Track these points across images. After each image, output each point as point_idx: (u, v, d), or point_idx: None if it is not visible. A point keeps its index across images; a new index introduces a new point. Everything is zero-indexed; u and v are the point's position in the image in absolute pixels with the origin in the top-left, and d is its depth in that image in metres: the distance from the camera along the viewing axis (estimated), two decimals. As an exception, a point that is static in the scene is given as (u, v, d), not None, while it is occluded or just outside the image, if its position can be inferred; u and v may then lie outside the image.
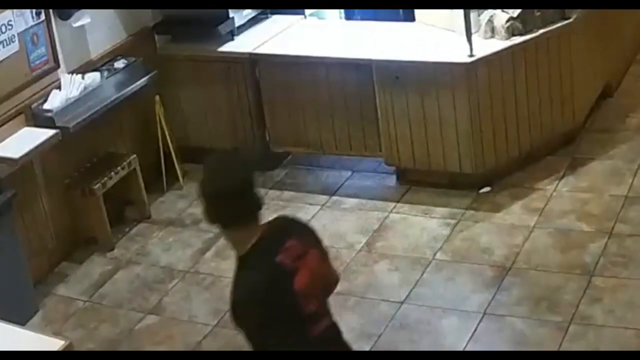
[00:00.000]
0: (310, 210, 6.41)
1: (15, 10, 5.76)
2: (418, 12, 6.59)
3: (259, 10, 6.99)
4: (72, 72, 6.15)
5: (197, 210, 6.51)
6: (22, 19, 5.82)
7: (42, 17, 5.95)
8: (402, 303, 5.44)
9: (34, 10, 5.88)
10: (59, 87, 6.05)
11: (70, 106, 5.99)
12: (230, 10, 6.67)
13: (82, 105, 6.06)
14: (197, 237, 6.20)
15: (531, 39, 6.16)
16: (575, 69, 6.40)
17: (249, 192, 3.30)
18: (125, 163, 6.35)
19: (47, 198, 6.07)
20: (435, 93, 6.13)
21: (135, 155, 6.42)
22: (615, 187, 6.18)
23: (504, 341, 5.08)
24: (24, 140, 5.76)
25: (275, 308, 3.26)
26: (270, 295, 3.27)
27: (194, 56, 6.77)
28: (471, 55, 6.00)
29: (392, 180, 6.62)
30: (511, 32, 6.14)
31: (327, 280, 3.50)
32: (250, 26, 6.93)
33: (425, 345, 5.11)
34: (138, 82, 6.40)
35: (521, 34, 6.15)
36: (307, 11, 7.10)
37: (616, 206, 5.98)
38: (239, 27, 6.80)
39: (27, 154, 5.67)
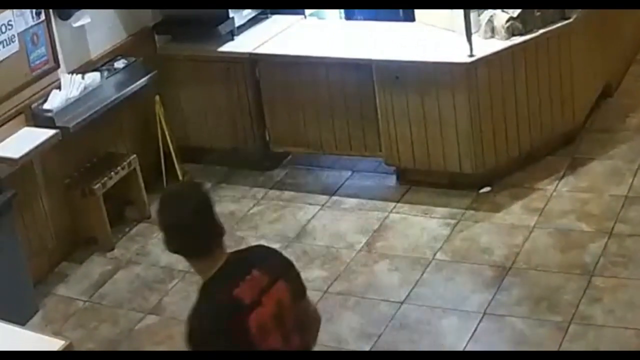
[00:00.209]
0: (310, 210, 6.41)
1: (15, 10, 5.76)
2: (418, 12, 6.59)
3: (259, 10, 6.99)
4: (72, 72, 6.15)
5: (197, 210, 6.52)
6: (22, 19, 5.82)
7: (42, 17, 5.95)
8: (402, 303, 5.44)
9: (34, 10, 5.88)
10: (59, 87, 6.05)
11: (70, 106, 5.99)
12: (230, 10, 6.67)
13: (82, 105, 6.06)
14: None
15: (531, 39, 6.16)
16: (575, 69, 6.40)
17: (204, 224, 3.22)
18: (125, 163, 6.35)
19: (47, 198, 6.07)
20: (435, 93, 6.13)
21: (135, 155, 6.42)
22: (615, 187, 6.18)
23: (504, 341, 5.08)
24: (24, 140, 5.76)
25: (226, 343, 3.17)
26: (220, 329, 3.17)
27: (194, 56, 6.77)
28: (471, 55, 6.00)
29: (392, 180, 6.62)
30: (511, 32, 6.14)
31: (301, 317, 3.38)
32: (250, 26, 6.93)
33: (425, 345, 5.11)
34: (138, 82, 6.40)
35: (521, 34, 6.15)
36: (307, 11, 7.10)
37: (616, 206, 5.98)
38: (239, 27, 6.80)
39: (27, 154, 5.67)
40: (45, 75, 6.02)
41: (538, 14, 6.18)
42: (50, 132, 5.80)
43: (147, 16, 6.80)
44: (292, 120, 6.66)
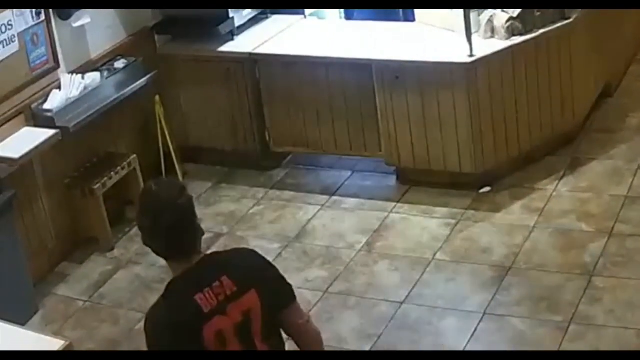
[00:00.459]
0: (310, 210, 6.41)
1: (15, 10, 5.76)
2: (418, 12, 6.59)
3: (259, 10, 6.99)
4: (72, 72, 6.15)
5: (197, 210, 6.50)
6: (22, 19, 5.82)
7: (42, 17, 5.95)
8: (402, 303, 5.44)
9: (34, 10, 5.88)
10: (59, 87, 6.05)
11: (70, 106, 5.99)
12: (230, 10, 6.67)
13: (82, 105, 6.06)
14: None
15: (531, 39, 6.16)
16: (575, 69, 6.40)
17: (176, 228, 3.18)
18: (125, 163, 6.35)
19: (47, 198, 6.07)
20: (435, 93, 6.13)
21: (135, 155, 6.42)
22: (615, 187, 6.18)
23: (504, 341, 5.08)
24: (24, 140, 5.75)
25: (174, 344, 3.16)
26: (171, 331, 3.17)
27: (194, 56, 6.77)
28: (471, 55, 6.00)
29: (392, 180, 6.62)
30: (511, 32, 6.14)
31: (285, 325, 3.33)
32: (250, 26, 6.93)
33: (425, 345, 5.11)
34: (138, 82, 6.40)
35: (521, 34, 6.15)
36: (307, 11, 7.10)
37: (616, 206, 5.98)
38: (239, 27, 6.80)
39: (27, 154, 5.67)
40: (45, 75, 6.02)
41: (538, 14, 6.18)
42: (50, 132, 5.80)
43: (147, 16, 6.80)
44: (292, 120, 6.66)
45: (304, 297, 5.27)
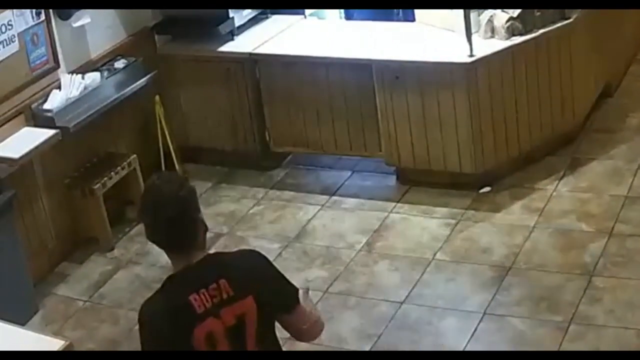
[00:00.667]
0: (310, 210, 6.41)
1: (15, 10, 5.76)
2: (418, 12, 6.59)
3: (259, 10, 6.99)
4: (72, 72, 6.15)
5: (197, 210, 6.51)
6: (22, 19, 5.82)
7: (42, 17, 5.94)
8: (402, 303, 5.44)
9: (34, 10, 5.88)
10: (59, 87, 6.05)
11: (70, 106, 5.99)
12: (230, 10, 6.67)
13: (82, 105, 6.06)
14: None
15: (531, 39, 6.16)
16: (575, 69, 6.40)
17: (176, 222, 3.16)
18: (125, 163, 6.35)
19: (47, 198, 6.07)
20: (435, 93, 6.13)
21: (135, 155, 6.42)
22: (615, 187, 6.18)
23: (504, 341, 5.08)
24: (24, 140, 5.75)
25: (166, 343, 3.18)
26: (163, 329, 3.19)
27: (194, 56, 6.77)
28: (471, 55, 6.00)
29: (392, 180, 6.62)
30: (511, 32, 6.14)
31: (289, 327, 3.32)
32: (250, 26, 6.93)
33: (425, 345, 5.11)
34: (138, 82, 6.40)
35: (521, 34, 6.15)
36: (307, 11, 7.10)
37: (616, 206, 5.98)
38: (239, 27, 6.80)
39: (27, 154, 5.67)
40: (45, 75, 6.02)
41: (538, 14, 6.18)
42: (50, 132, 5.80)
43: (147, 16, 6.80)
44: (292, 120, 6.66)
45: (304, 297, 5.27)
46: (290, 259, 5.89)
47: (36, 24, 5.92)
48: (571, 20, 6.28)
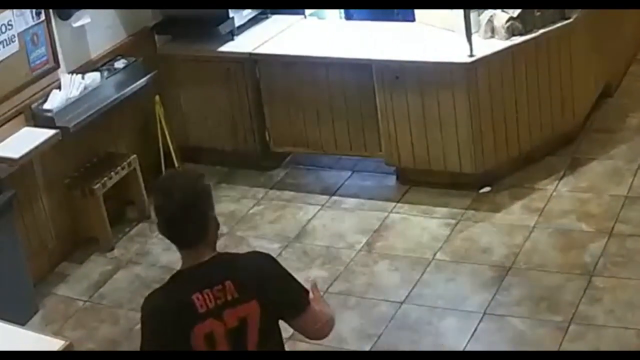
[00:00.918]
0: (310, 210, 6.41)
1: (15, 10, 5.75)
2: (418, 12, 6.59)
3: (259, 10, 6.99)
4: (72, 72, 6.15)
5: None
6: (22, 19, 5.82)
7: (42, 17, 5.94)
8: (402, 303, 5.44)
9: (34, 10, 5.88)
10: (59, 87, 6.04)
11: (70, 106, 5.99)
12: (230, 10, 6.67)
13: (82, 105, 6.06)
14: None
15: (531, 39, 6.16)
16: (575, 69, 6.40)
17: (188, 218, 3.17)
18: (125, 163, 6.35)
19: (47, 198, 6.07)
20: (435, 93, 6.13)
21: (135, 155, 6.42)
22: (615, 187, 6.18)
23: (504, 341, 5.08)
24: (24, 140, 5.75)
25: (163, 339, 3.20)
26: (162, 325, 3.20)
27: (194, 56, 6.77)
28: (471, 55, 6.00)
29: (392, 180, 6.62)
30: (511, 32, 6.14)
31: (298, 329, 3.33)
32: (250, 26, 6.93)
33: (425, 345, 5.11)
34: (138, 82, 6.40)
35: (521, 34, 6.15)
36: (307, 11, 7.10)
37: (616, 206, 5.98)
38: (239, 27, 6.80)
39: (27, 154, 5.67)
40: (45, 75, 6.02)
41: (538, 14, 6.18)
42: (50, 132, 5.80)
43: (147, 16, 6.80)
44: (292, 120, 6.66)
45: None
46: (290, 259, 5.89)
47: (36, 24, 5.91)
48: (571, 20, 6.28)
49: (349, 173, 6.78)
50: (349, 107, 6.46)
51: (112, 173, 6.26)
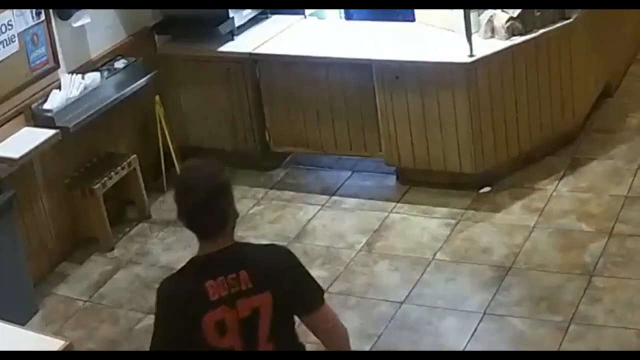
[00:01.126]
0: (310, 210, 6.40)
1: (15, 10, 5.75)
2: (418, 12, 6.59)
3: (259, 10, 6.99)
4: (72, 72, 6.15)
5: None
6: (22, 19, 5.82)
7: (42, 17, 5.94)
8: (402, 303, 5.44)
9: (34, 10, 5.88)
10: (59, 87, 6.04)
11: (70, 106, 5.99)
12: (230, 10, 6.67)
13: (82, 105, 6.06)
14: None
15: (531, 39, 6.16)
16: (575, 69, 6.40)
17: (207, 211, 3.20)
18: (125, 163, 6.35)
19: (47, 198, 6.07)
20: (435, 93, 6.13)
21: (135, 155, 6.42)
22: (615, 187, 6.18)
23: (504, 341, 5.08)
24: (24, 140, 5.75)
25: (174, 324, 3.22)
26: (174, 310, 3.22)
27: (194, 56, 6.77)
28: (471, 55, 6.00)
29: (392, 180, 6.62)
30: (511, 32, 6.14)
31: (310, 326, 3.35)
32: (250, 26, 6.93)
33: (425, 345, 5.11)
34: (138, 82, 6.40)
35: (521, 34, 6.15)
36: (307, 11, 7.10)
37: (616, 206, 5.98)
38: (239, 27, 6.80)
39: (27, 154, 5.67)
40: (45, 75, 6.02)
41: (538, 14, 6.18)
42: (50, 132, 5.80)
43: (147, 16, 6.80)
44: (292, 120, 6.66)
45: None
46: (290, 259, 5.88)
47: (36, 24, 5.91)
48: (571, 20, 6.28)
49: (349, 173, 6.79)
50: (349, 107, 6.46)
51: (112, 173, 6.26)
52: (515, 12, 6.12)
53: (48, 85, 6.02)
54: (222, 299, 3.19)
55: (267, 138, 6.81)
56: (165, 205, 6.66)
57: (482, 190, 6.33)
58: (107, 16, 6.48)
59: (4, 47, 5.70)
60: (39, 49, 5.96)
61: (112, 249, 6.28)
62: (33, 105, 5.94)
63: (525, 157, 6.44)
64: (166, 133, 6.64)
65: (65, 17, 6.14)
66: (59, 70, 6.11)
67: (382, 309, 5.42)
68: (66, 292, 5.94)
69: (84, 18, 6.24)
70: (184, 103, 6.90)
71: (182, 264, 3.33)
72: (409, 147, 6.34)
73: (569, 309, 5.19)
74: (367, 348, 5.16)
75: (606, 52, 6.89)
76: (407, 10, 6.75)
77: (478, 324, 5.20)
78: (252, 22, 6.95)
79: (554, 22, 6.24)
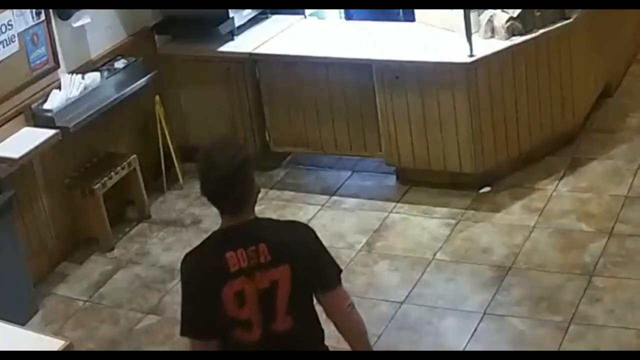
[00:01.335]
0: (310, 210, 6.41)
1: (15, 10, 5.76)
2: (418, 12, 6.59)
3: (259, 10, 6.99)
4: (72, 72, 6.15)
5: (197, 210, 6.52)
6: (22, 19, 5.82)
7: (42, 17, 5.94)
8: (402, 303, 5.44)
9: (34, 10, 5.88)
10: (59, 87, 6.05)
11: (70, 106, 5.99)
12: (230, 10, 6.67)
13: (82, 105, 6.06)
14: (197, 237, 6.18)
15: (531, 39, 6.16)
16: (575, 69, 6.40)
17: (230, 189, 3.28)
18: (125, 163, 6.35)
19: (47, 198, 6.07)
20: (435, 93, 6.13)
21: (135, 155, 6.42)
22: (615, 187, 6.18)
23: (504, 341, 5.08)
24: (24, 140, 5.75)
25: (197, 293, 3.33)
26: (196, 280, 3.34)
27: (194, 56, 6.77)
28: (471, 55, 6.00)
29: (392, 180, 6.62)
30: (511, 32, 6.14)
31: (326, 304, 3.43)
32: (250, 26, 6.93)
33: (425, 345, 5.11)
34: (138, 82, 6.40)
35: (521, 34, 6.15)
36: (307, 11, 7.10)
37: (616, 206, 5.99)
38: (239, 27, 6.80)
39: (27, 154, 5.67)
40: (45, 75, 6.02)
41: (538, 14, 6.18)
42: (50, 132, 5.80)
43: (147, 16, 6.80)
44: (292, 120, 6.66)
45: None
46: (290, 259, 5.89)
47: (36, 24, 5.91)
48: (571, 20, 6.28)
49: (349, 173, 6.79)
50: (349, 107, 6.46)
51: (112, 173, 6.26)
52: (515, 12, 6.12)
53: (48, 85, 6.02)
54: (241, 270, 3.29)
55: (267, 138, 6.81)
56: (165, 205, 6.67)
57: (482, 190, 6.33)
58: (107, 16, 6.48)
59: (4, 47, 5.70)
60: (39, 49, 5.96)
61: (112, 249, 6.28)
62: (33, 105, 5.94)
63: (525, 157, 6.44)
64: (166, 133, 6.64)
65: (65, 17, 6.14)
66: (59, 70, 6.11)
67: (382, 309, 5.42)
68: (66, 292, 5.94)
69: (84, 18, 6.24)
70: (184, 103, 6.90)
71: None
72: (409, 147, 6.34)
73: (569, 309, 5.19)
74: None
75: (606, 52, 6.90)
76: (407, 10, 6.75)
77: (478, 324, 5.20)
78: (252, 22, 6.96)
79: (554, 22, 6.25)
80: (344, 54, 6.41)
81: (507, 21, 6.11)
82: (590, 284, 5.36)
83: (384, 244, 5.99)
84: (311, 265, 3.37)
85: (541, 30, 6.20)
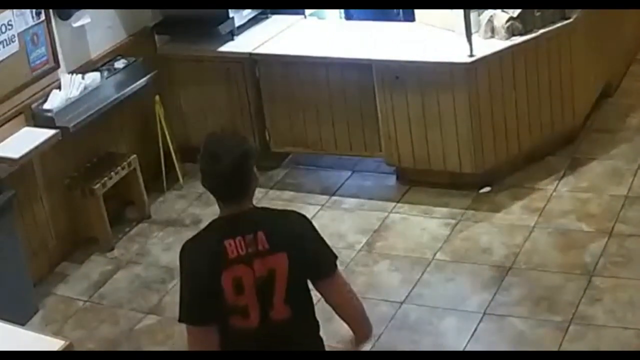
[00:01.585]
0: (310, 210, 6.40)
1: (15, 10, 5.76)
2: (418, 12, 6.59)
3: (259, 10, 6.99)
4: (72, 72, 6.15)
5: (197, 210, 6.52)
6: (22, 19, 5.82)
7: (42, 17, 5.94)
8: (402, 303, 5.44)
9: (34, 10, 5.88)
10: (59, 87, 6.05)
11: (70, 106, 5.99)
12: (230, 10, 6.67)
13: (82, 105, 6.06)
14: (197, 237, 6.21)
15: (531, 39, 6.16)
16: (575, 69, 6.40)
17: (230, 180, 3.35)
18: (125, 163, 6.35)
19: (47, 198, 6.07)
20: (435, 93, 6.13)
21: (135, 155, 6.42)
22: (615, 187, 6.18)
23: (504, 341, 5.08)
24: (24, 140, 5.75)
25: (196, 279, 3.36)
26: (195, 267, 3.37)
27: (194, 56, 6.77)
28: (471, 55, 6.00)
29: (392, 180, 6.62)
30: (511, 32, 6.14)
31: (324, 292, 3.46)
32: (250, 26, 6.93)
33: (425, 345, 5.11)
34: (138, 82, 6.40)
35: (521, 34, 6.15)
36: (307, 11, 7.10)
37: (616, 206, 5.98)
38: (239, 27, 6.80)
39: (27, 154, 5.67)
40: (45, 75, 6.02)
41: (538, 14, 6.18)
42: (50, 132, 5.80)
43: (147, 16, 6.80)
44: (292, 120, 6.66)
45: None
46: (290, 259, 5.89)
47: (36, 24, 5.92)
48: (571, 20, 6.28)
49: (349, 173, 6.79)
50: (349, 107, 6.46)
51: (112, 173, 6.26)
52: (515, 12, 6.12)
53: (48, 85, 6.02)
54: (239, 258, 3.32)
55: (267, 138, 6.81)
56: (165, 205, 6.67)
57: (482, 190, 6.33)
58: (107, 16, 6.48)
59: (4, 47, 5.70)
60: (39, 49, 5.96)
61: (112, 249, 6.28)
62: (33, 105, 5.94)
63: (525, 157, 6.44)
64: (166, 133, 6.64)
65: (65, 17, 6.14)
66: (59, 70, 6.11)
67: (382, 309, 5.42)
68: (66, 292, 5.95)
69: (84, 18, 6.24)
70: (184, 103, 6.90)
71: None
72: (409, 147, 6.34)
73: (569, 309, 5.19)
74: (367, 348, 5.15)
75: (606, 52, 6.90)
76: (407, 10, 6.75)
77: (478, 324, 5.20)
78: (252, 22, 6.96)
79: (554, 22, 6.25)
80: (344, 54, 6.41)
81: (507, 21, 6.11)
82: (590, 284, 5.36)
83: (384, 244, 5.99)
84: (309, 253, 3.42)
85: (541, 30, 6.20)
